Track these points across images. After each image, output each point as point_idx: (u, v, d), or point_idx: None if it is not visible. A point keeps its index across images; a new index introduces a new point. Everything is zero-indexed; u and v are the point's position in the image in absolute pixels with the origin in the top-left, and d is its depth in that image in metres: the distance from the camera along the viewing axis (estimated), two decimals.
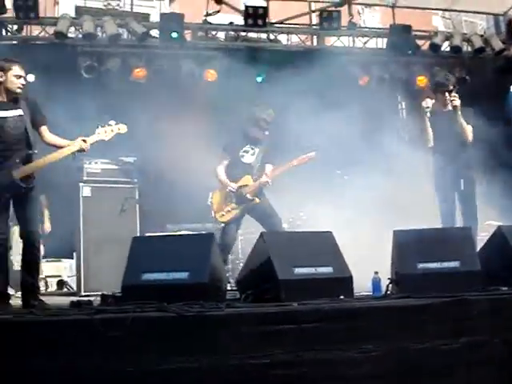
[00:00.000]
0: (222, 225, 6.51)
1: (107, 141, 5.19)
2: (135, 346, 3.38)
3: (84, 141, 5.10)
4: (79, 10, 9.46)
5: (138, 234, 7.10)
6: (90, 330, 3.38)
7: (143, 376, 3.32)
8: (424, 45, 9.78)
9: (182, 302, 3.65)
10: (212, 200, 6.58)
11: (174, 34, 8.39)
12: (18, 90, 4.97)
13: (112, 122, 5.21)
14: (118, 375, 3.32)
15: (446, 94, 6.31)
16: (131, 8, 9.40)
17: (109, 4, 12.60)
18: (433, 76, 9.59)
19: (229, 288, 4.78)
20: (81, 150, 5.12)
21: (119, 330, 3.37)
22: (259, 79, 8.84)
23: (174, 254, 4.11)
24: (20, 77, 4.97)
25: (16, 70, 4.94)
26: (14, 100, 4.99)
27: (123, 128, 5.26)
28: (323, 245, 4.37)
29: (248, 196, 6.40)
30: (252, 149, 6.59)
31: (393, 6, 10.12)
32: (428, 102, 6.27)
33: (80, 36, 8.64)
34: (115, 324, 3.40)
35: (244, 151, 6.60)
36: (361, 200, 7.25)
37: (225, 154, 6.63)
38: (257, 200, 6.39)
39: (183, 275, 3.98)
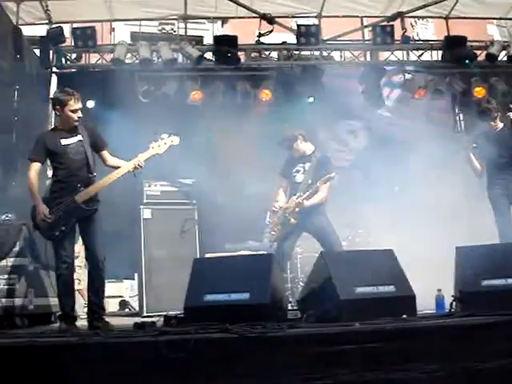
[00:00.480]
0: (270, 244, 6.51)
1: (162, 154, 5.27)
2: (199, 368, 3.42)
3: (139, 159, 5.23)
4: (134, 36, 9.74)
5: (198, 255, 7.20)
6: (154, 351, 3.44)
7: None
8: (480, 55, 9.61)
9: (243, 323, 3.68)
10: (270, 220, 6.60)
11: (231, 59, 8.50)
12: (75, 124, 5.16)
13: (164, 135, 5.31)
14: None
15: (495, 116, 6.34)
16: (185, 31, 9.55)
17: (163, 28, 12.90)
18: (491, 86, 9.44)
19: (289, 307, 4.77)
20: (136, 168, 5.24)
21: (183, 351, 3.42)
22: (311, 99, 8.83)
23: (234, 274, 4.15)
24: (76, 110, 5.14)
25: (71, 104, 5.10)
26: (73, 128, 5.17)
27: (176, 140, 5.34)
28: (384, 263, 4.33)
29: (287, 216, 6.38)
30: (302, 167, 6.59)
31: (446, 18, 9.99)
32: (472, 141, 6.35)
33: (137, 61, 8.87)
34: (179, 345, 3.45)
35: (296, 171, 6.60)
36: (420, 214, 7.15)
37: (279, 177, 6.69)
38: (292, 221, 6.30)
39: (244, 296, 4.02)
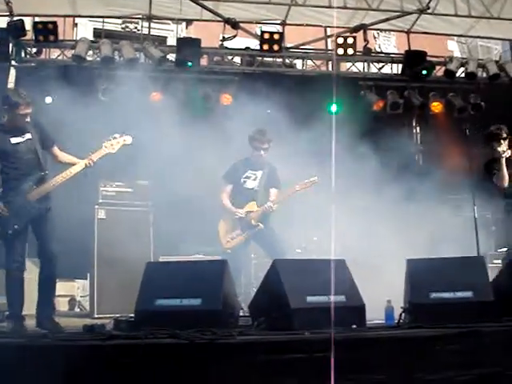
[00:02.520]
0: (229, 251, 6.50)
1: (114, 153, 5.23)
2: (147, 373, 3.39)
3: (91, 157, 5.18)
4: (97, 33, 9.62)
5: (152, 258, 7.13)
6: (102, 356, 3.40)
7: None
8: (439, 70, 9.82)
9: (194, 329, 3.66)
10: (218, 228, 6.62)
11: (190, 64, 8.50)
12: (23, 125, 5.08)
13: (117, 135, 5.27)
14: None
15: (502, 141, 6.15)
16: (148, 31, 9.51)
17: (127, 27, 12.81)
18: (448, 102, 9.65)
19: (242, 314, 4.77)
20: (87, 166, 5.18)
21: (131, 356, 3.39)
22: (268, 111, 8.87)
23: (187, 280, 4.14)
24: (26, 115, 5.05)
25: (22, 109, 5.01)
26: (21, 126, 5.09)
27: (128, 139, 5.31)
28: (336, 273, 4.36)
29: (252, 222, 6.44)
30: (254, 174, 6.65)
31: (408, 32, 10.17)
32: (503, 146, 6.11)
33: (98, 59, 8.78)
34: (127, 350, 3.42)
35: (246, 177, 6.65)
36: (374, 225, 7.25)
37: (225, 181, 6.71)
38: (261, 226, 6.41)
39: (196, 302, 4.01)
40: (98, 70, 8.74)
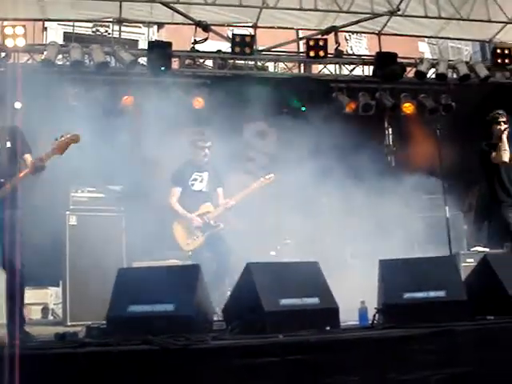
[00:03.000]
0: (190, 253, 6.59)
1: (62, 154, 5.06)
2: (119, 380, 3.34)
3: (41, 159, 5.02)
4: (67, 36, 9.52)
5: (125, 263, 7.06)
6: (74, 363, 3.35)
7: None
8: (410, 72, 9.90)
9: (167, 335, 3.63)
10: (173, 231, 6.64)
11: (162, 68, 8.46)
12: None
13: (65, 134, 5.07)
14: None
15: (502, 123, 6.57)
16: (119, 35, 9.44)
17: (97, 30, 12.71)
18: (419, 103, 9.74)
19: (216, 318, 4.74)
20: (38, 169, 5.03)
21: (103, 363, 3.34)
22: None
23: (159, 285, 4.08)
24: None
25: None
26: None
27: (77, 137, 5.11)
28: (309, 275, 4.36)
29: (212, 222, 6.59)
30: (200, 176, 6.75)
31: (379, 34, 10.25)
32: (503, 125, 6.54)
33: (68, 63, 8.69)
34: (99, 358, 3.37)
35: (193, 179, 6.74)
36: (348, 225, 7.27)
37: (173, 185, 6.76)
38: (221, 225, 6.59)
39: (169, 307, 3.97)
40: (68, 74, 8.65)
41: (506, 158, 6.46)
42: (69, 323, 6.96)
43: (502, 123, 6.50)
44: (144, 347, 3.50)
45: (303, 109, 9.22)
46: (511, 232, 6.48)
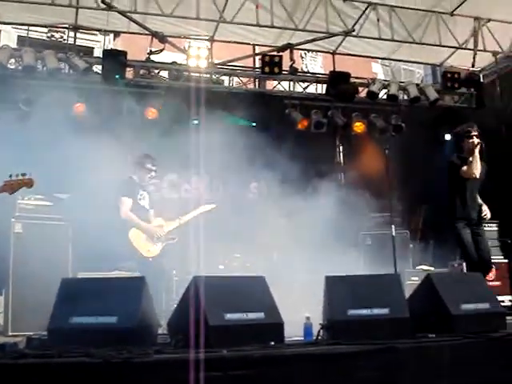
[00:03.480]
0: (150, 260, 6.62)
1: (10, 194, 4.96)
2: None
3: None
4: (22, 41, 9.36)
5: (70, 273, 6.94)
6: (13, 375, 3.26)
7: None
8: (362, 91, 10.08)
9: (110, 348, 3.57)
10: (130, 238, 6.61)
11: (117, 76, 8.42)
12: None
13: (20, 175, 4.95)
14: None
15: (473, 137, 6.41)
16: (74, 41, 9.35)
17: (52, 36, 12.54)
18: (370, 122, 9.92)
19: (160, 332, 4.69)
20: None
21: (43, 375, 3.27)
22: (195, 122, 8.88)
23: (103, 297, 4.03)
24: None
25: None
26: None
27: (30, 182, 4.99)
28: (255, 289, 4.36)
29: (168, 235, 6.77)
30: (142, 194, 6.86)
31: (333, 53, 10.42)
32: (475, 139, 6.39)
33: (20, 68, 8.54)
34: (39, 369, 3.30)
35: (140, 195, 6.83)
36: (295, 242, 7.32)
37: (124, 196, 6.73)
38: (176, 239, 6.76)
39: (112, 319, 3.91)
40: (20, 78, 8.50)
41: (477, 173, 6.32)
42: (10, 333, 6.78)
43: (475, 137, 6.38)
44: (85, 359, 3.44)
45: (253, 124, 9.29)
46: (464, 247, 6.30)
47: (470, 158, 6.30)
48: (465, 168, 6.35)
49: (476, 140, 6.34)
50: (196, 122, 8.75)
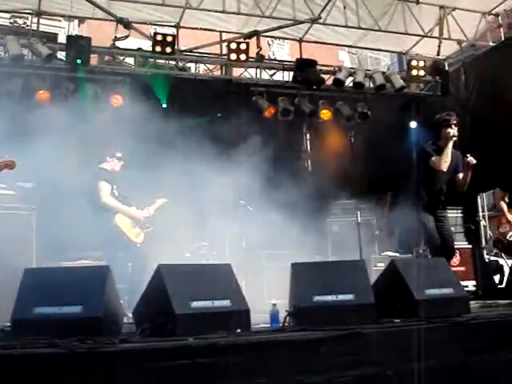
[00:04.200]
0: (138, 245, 6.60)
1: None
2: None
3: None
4: None
5: (35, 263, 6.85)
6: None
7: None
8: (329, 79, 10.10)
9: (74, 337, 3.54)
10: (117, 223, 6.54)
11: (79, 61, 8.27)
12: None
13: (1, 156, 4.96)
14: None
15: (453, 126, 6.35)
16: (37, 27, 9.16)
17: (15, 22, 12.28)
18: (336, 110, 9.95)
19: (126, 321, 4.67)
20: None
21: (7, 367, 3.22)
22: (164, 105, 8.83)
23: (67, 286, 3.98)
24: None
25: None
26: None
27: (12, 163, 5.00)
28: (221, 277, 4.36)
29: (146, 224, 6.73)
30: (114, 185, 6.77)
31: (300, 40, 10.42)
32: (453, 131, 6.30)
33: None
34: (2, 361, 3.25)
35: (116, 186, 6.77)
36: (262, 229, 7.33)
37: (102, 181, 6.68)
38: (151, 227, 6.75)
39: (76, 309, 3.86)
40: None
41: (444, 167, 6.23)
42: None
43: (453, 126, 6.32)
44: (50, 350, 3.40)
45: (219, 115, 9.27)
46: (427, 233, 6.31)
47: (444, 150, 6.23)
48: (434, 159, 6.27)
49: (452, 131, 6.28)
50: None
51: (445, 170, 6.25)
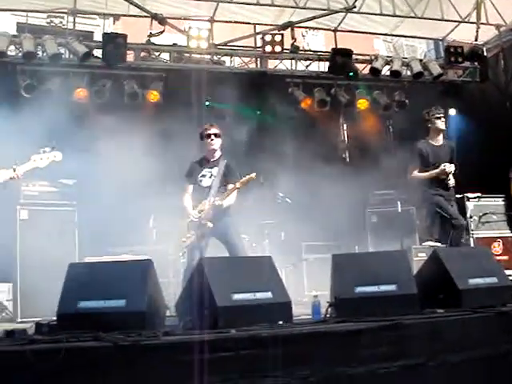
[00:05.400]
0: (185, 250, 6.41)
1: (42, 168, 5.10)
2: (69, 378, 3.29)
3: (14, 169, 5.02)
4: (21, 27, 9.32)
5: (77, 258, 6.97)
6: (22, 361, 3.28)
7: None
8: (365, 68, 10.00)
9: (118, 331, 3.59)
10: (179, 227, 6.46)
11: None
12: None
13: (47, 149, 5.13)
14: None
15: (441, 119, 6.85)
16: (74, 26, 9.28)
17: (52, 21, 12.45)
18: (373, 99, 9.85)
19: (168, 314, 4.71)
20: (13, 178, 5.03)
21: (52, 361, 3.28)
22: (207, 103, 8.86)
23: (111, 281, 4.04)
24: None
25: None
26: None
27: (59, 155, 5.19)
28: (262, 269, 4.37)
29: (202, 221, 6.29)
30: (209, 172, 6.51)
31: (335, 30, 10.33)
32: (440, 123, 6.85)
33: (20, 54, 8.50)
34: (48, 355, 3.31)
35: (202, 175, 6.50)
36: (302, 221, 7.31)
37: (186, 181, 6.56)
38: (209, 224, 6.24)
39: (120, 303, 3.92)
40: (20, 65, 8.47)
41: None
42: (19, 320, 6.84)
43: (442, 119, 6.81)
44: (94, 343, 3.45)
45: (258, 112, 9.25)
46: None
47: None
48: (411, 168, 6.74)
49: (440, 126, 6.76)
50: (208, 103, 8.69)
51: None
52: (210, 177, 6.47)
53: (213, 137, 6.49)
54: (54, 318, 4.11)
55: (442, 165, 6.66)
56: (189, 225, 6.37)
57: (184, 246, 6.38)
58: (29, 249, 6.91)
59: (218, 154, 6.58)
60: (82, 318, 3.90)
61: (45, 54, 8.46)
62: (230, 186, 6.40)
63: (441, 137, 6.89)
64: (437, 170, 6.66)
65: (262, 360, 3.57)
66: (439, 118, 6.79)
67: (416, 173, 6.77)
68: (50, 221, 7.14)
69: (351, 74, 9.45)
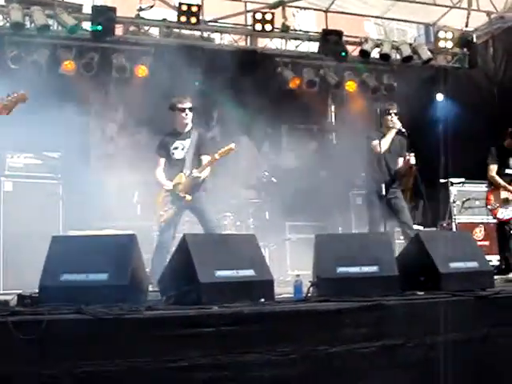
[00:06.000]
0: (163, 224, 6.34)
1: (8, 114, 4.86)
2: (52, 350, 3.30)
3: None
4: None
5: (61, 231, 6.95)
6: (4, 332, 3.28)
7: (58, 380, 3.25)
8: (355, 50, 9.98)
9: (100, 305, 3.60)
10: (155, 202, 6.43)
11: (99, 27, 8.23)
12: None
13: (12, 93, 4.86)
14: (32, 379, 3.23)
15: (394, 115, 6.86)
16: None
17: None
18: (362, 81, 9.85)
19: (151, 289, 4.73)
20: None
21: (35, 332, 3.29)
22: (196, 83, 8.79)
23: (94, 254, 4.02)
24: None
25: None
26: None
27: (24, 96, 4.88)
28: (246, 247, 4.38)
29: (180, 194, 6.23)
30: (181, 144, 6.43)
31: (326, 11, 10.28)
32: (395, 119, 6.85)
33: (7, 25, 8.38)
34: (30, 327, 3.31)
35: (174, 148, 6.42)
36: (286, 201, 7.33)
37: (157, 154, 6.50)
38: (188, 197, 6.18)
39: (103, 276, 3.91)
40: (8, 36, 8.36)
41: (382, 150, 6.72)
42: (2, 291, 6.83)
43: (394, 114, 6.82)
44: (76, 316, 3.46)
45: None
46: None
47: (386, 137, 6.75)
48: (374, 142, 6.77)
49: (393, 119, 6.77)
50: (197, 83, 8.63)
51: (382, 152, 6.70)
52: (183, 149, 6.39)
53: (187, 111, 6.42)
54: (37, 291, 4.11)
55: None
56: (165, 199, 6.32)
57: (161, 220, 6.32)
58: (12, 221, 6.89)
59: (189, 126, 6.50)
60: (64, 290, 3.90)
61: (33, 25, 8.35)
62: (205, 157, 6.35)
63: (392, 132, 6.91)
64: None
65: (243, 337, 3.60)
66: (390, 113, 6.87)
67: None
68: (35, 193, 7.10)
69: (343, 53, 9.42)
